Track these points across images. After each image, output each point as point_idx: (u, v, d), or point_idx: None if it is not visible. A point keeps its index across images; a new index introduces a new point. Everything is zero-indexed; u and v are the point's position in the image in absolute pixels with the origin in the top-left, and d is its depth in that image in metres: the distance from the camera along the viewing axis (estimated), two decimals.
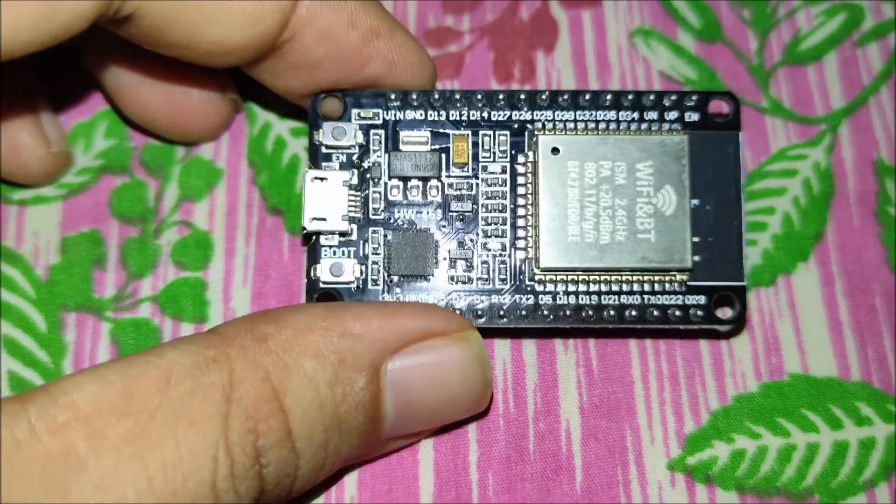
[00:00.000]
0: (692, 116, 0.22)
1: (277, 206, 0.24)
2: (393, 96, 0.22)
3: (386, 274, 0.22)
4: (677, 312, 0.21)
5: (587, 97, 0.22)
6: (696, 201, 0.22)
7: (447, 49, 0.26)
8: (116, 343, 0.23)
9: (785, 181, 0.25)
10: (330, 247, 0.22)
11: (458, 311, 0.21)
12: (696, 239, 0.21)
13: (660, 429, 0.22)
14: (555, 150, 0.22)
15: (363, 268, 0.22)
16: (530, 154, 0.22)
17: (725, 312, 0.22)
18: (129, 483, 0.15)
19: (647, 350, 0.23)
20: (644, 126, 0.22)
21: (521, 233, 0.22)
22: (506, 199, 0.22)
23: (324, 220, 0.21)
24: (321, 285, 0.21)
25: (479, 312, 0.21)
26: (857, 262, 0.24)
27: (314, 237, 0.22)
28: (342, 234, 0.22)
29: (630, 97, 0.22)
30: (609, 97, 0.22)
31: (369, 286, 0.21)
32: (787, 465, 0.22)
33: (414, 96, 0.22)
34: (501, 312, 0.21)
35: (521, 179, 0.22)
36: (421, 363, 0.19)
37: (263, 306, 0.23)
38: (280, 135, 0.25)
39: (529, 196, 0.22)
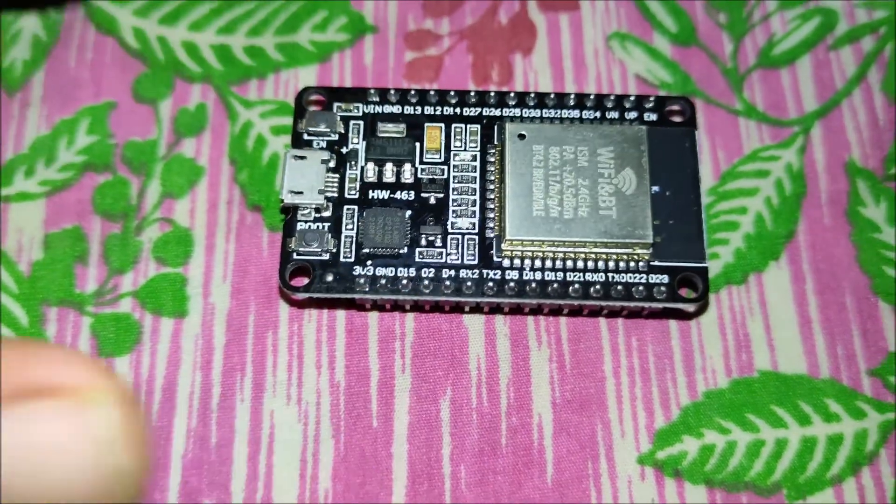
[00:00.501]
0: (650, 116, 0.24)
1: (257, 202, 0.24)
2: (373, 91, 0.24)
3: (358, 247, 0.22)
4: (641, 289, 0.22)
5: (552, 97, 0.24)
6: (656, 188, 0.23)
7: (426, 52, 0.27)
8: (97, 337, 0.23)
9: (757, 181, 0.25)
10: (306, 222, 0.22)
11: (426, 284, 0.22)
12: (656, 221, 0.22)
13: (630, 423, 0.22)
14: (521, 136, 0.23)
15: (336, 241, 0.22)
16: (498, 144, 0.23)
17: (690, 294, 0.22)
18: None
19: (619, 346, 0.23)
20: (606, 123, 0.24)
21: (489, 214, 0.23)
22: (475, 183, 0.23)
23: (301, 193, 0.22)
24: (295, 257, 0.22)
25: (447, 285, 0.22)
26: (827, 261, 0.24)
27: (291, 213, 0.22)
28: (317, 209, 0.23)
29: (592, 97, 0.24)
30: (573, 97, 0.24)
31: (341, 259, 0.22)
32: (756, 460, 0.22)
33: (392, 92, 0.24)
34: (468, 286, 0.22)
35: (490, 167, 0.23)
36: (7, 421, 0.13)
37: (242, 301, 0.23)
38: (261, 133, 0.25)
39: (497, 179, 0.23)
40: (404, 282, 0.22)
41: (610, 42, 0.27)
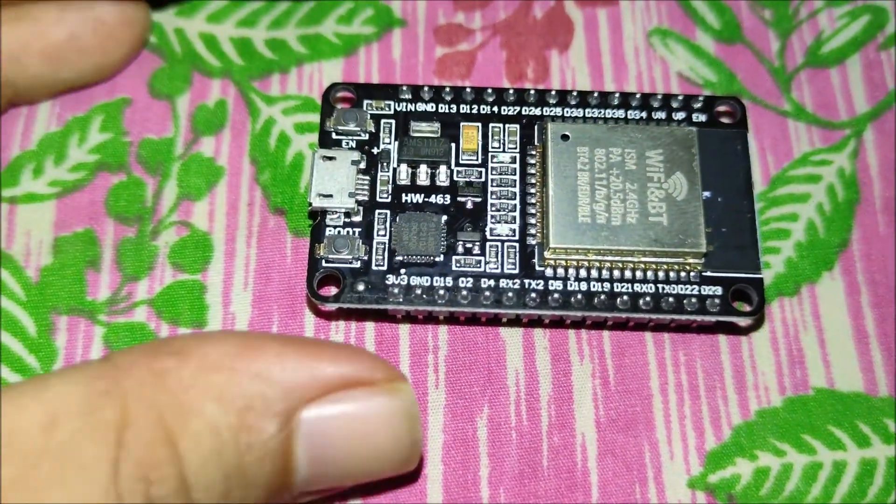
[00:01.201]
0: (699, 117, 0.23)
1: (280, 205, 0.23)
2: (405, 88, 0.22)
3: (391, 254, 0.21)
4: (693, 301, 0.21)
5: (595, 96, 0.23)
6: (707, 193, 0.21)
7: (458, 47, 0.25)
8: (110, 348, 0.22)
9: (808, 187, 0.24)
10: (335, 227, 0.21)
11: (464, 294, 0.20)
12: (708, 229, 0.21)
13: (680, 444, 0.21)
14: (564, 137, 0.21)
15: (367, 247, 0.21)
16: (539, 145, 0.22)
17: (743, 307, 0.21)
18: None
19: (666, 362, 0.22)
20: (653, 124, 0.22)
21: (531, 219, 0.21)
22: (515, 186, 0.22)
23: (330, 196, 0.21)
24: (324, 265, 0.21)
25: (486, 296, 0.20)
26: (883, 272, 0.23)
27: (319, 217, 0.21)
28: (347, 213, 0.21)
29: (638, 97, 0.23)
30: (617, 97, 0.23)
31: (373, 267, 0.21)
32: (813, 485, 0.21)
33: (426, 90, 0.22)
34: (509, 297, 0.20)
35: (531, 169, 0.22)
36: (341, 414, 0.17)
37: (265, 310, 0.22)
38: (283, 131, 0.24)
39: (538, 182, 0.22)
40: (441, 292, 0.21)
41: (651, 38, 0.25)
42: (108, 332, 0.22)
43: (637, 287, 0.21)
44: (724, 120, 0.23)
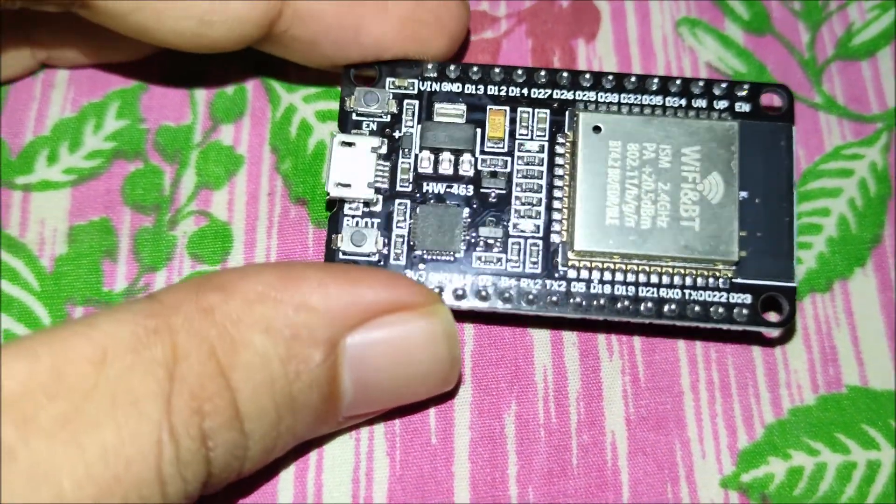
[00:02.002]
0: (743, 107, 0.21)
1: (302, 195, 0.22)
2: (430, 66, 0.21)
3: (409, 249, 0.20)
4: (720, 310, 0.20)
5: (633, 80, 0.21)
6: (744, 193, 0.20)
7: (483, 35, 0.25)
8: None
9: (840, 181, 0.23)
10: (353, 217, 0.20)
11: (483, 293, 0.20)
12: (742, 233, 0.20)
13: (711, 443, 0.21)
14: (596, 129, 0.21)
15: (386, 240, 0.20)
16: (570, 134, 0.21)
17: (773, 316, 0.20)
18: (66, 471, 0.14)
19: (696, 358, 0.21)
20: (692, 114, 0.21)
21: (556, 215, 0.21)
22: (542, 178, 0.21)
23: (348, 186, 0.20)
24: (341, 256, 0.20)
25: (507, 296, 0.20)
26: None
27: (337, 206, 0.20)
28: (366, 203, 0.20)
29: (678, 83, 0.21)
30: (656, 82, 0.21)
31: (391, 260, 0.20)
32: (848, 485, 0.20)
33: (451, 68, 0.21)
34: (530, 298, 0.20)
35: (559, 160, 0.21)
36: (383, 338, 0.17)
37: None
38: (305, 119, 0.23)
39: (567, 177, 0.21)
40: (459, 290, 0.20)
41: (679, 28, 0.25)
42: None
43: (663, 292, 0.20)
44: (770, 112, 0.21)
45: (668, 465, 0.20)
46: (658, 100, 0.21)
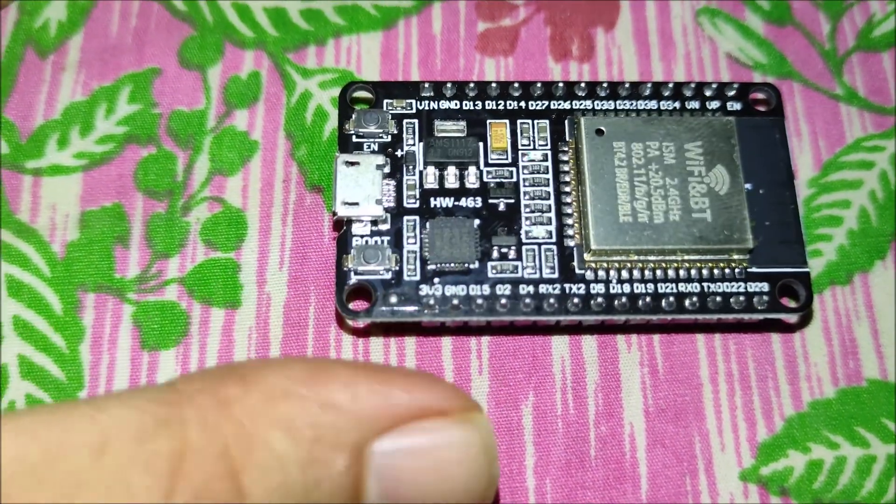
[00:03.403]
0: (734, 105, 0.22)
1: (317, 182, 0.22)
2: (426, 86, 0.21)
3: (423, 263, 0.20)
4: (741, 299, 0.20)
5: (626, 87, 0.22)
6: (748, 185, 0.21)
7: (500, 23, 0.24)
8: (139, 328, 0.21)
9: (861, 173, 0.23)
10: (362, 236, 0.20)
11: (503, 303, 0.20)
12: (752, 223, 0.20)
13: (731, 435, 0.20)
14: (599, 132, 0.21)
15: (398, 257, 0.20)
16: (572, 140, 0.21)
17: (790, 303, 0.20)
18: None
19: (716, 350, 0.21)
20: (686, 115, 0.22)
21: (567, 220, 0.20)
22: (548, 186, 0.21)
23: (356, 204, 0.20)
24: (353, 277, 0.20)
25: (526, 304, 0.20)
26: None
27: (345, 226, 0.20)
28: (374, 221, 0.20)
29: (670, 86, 0.22)
30: (649, 87, 0.22)
31: (405, 277, 0.20)
32: (867, 479, 0.20)
33: (448, 86, 0.21)
34: (550, 304, 0.20)
35: (563, 167, 0.21)
36: (415, 447, 0.16)
37: (301, 291, 0.21)
38: (321, 105, 0.23)
39: (573, 181, 0.21)
40: (478, 301, 0.20)
41: (699, 18, 0.25)
42: (137, 311, 0.21)
43: (682, 287, 0.20)
44: (760, 108, 0.22)
45: (687, 458, 0.20)
46: (653, 104, 0.22)
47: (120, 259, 0.21)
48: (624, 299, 0.20)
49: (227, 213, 0.22)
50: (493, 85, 0.22)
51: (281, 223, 0.22)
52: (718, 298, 0.20)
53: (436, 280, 0.20)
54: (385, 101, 0.21)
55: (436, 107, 0.21)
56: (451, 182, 0.21)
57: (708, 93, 0.22)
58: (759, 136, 0.21)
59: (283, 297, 0.21)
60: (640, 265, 0.20)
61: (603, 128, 0.21)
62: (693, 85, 0.22)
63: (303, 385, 0.15)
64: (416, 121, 0.21)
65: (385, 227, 0.20)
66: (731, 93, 0.22)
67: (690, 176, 0.20)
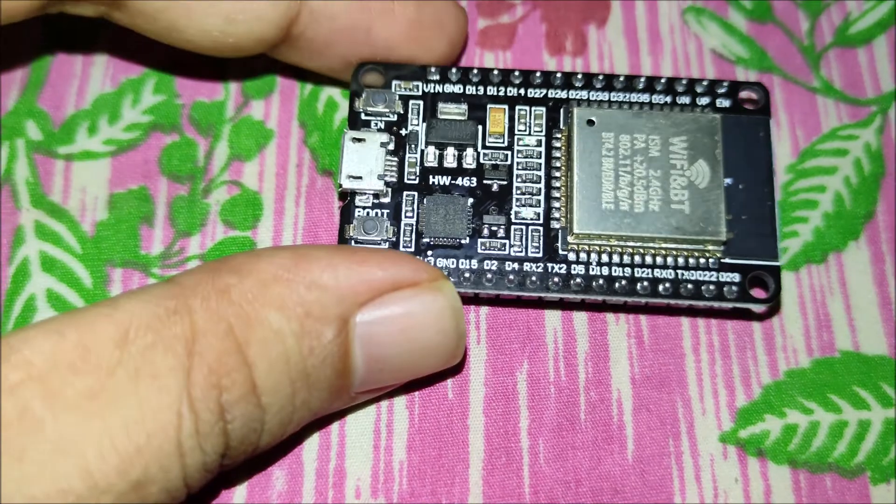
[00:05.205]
0: (724, 102, 0.23)
1: (328, 167, 0.24)
2: (433, 70, 0.23)
3: (418, 236, 0.21)
4: (711, 288, 0.21)
5: (621, 80, 0.23)
6: (728, 180, 0.22)
7: (500, 20, 0.26)
8: None
9: (836, 160, 0.25)
10: (364, 207, 0.22)
11: (489, 277, 0.21)
12: (729, 217, 0.21)
13: (711, 401, 0.22)
14: (590, 122, 0.22)
15: (395, 229, 0.21)
16: (565, 129, 0.22)
17: (759, 293, 0.22)
18: (90, 442, 0.15)
19: (698, 323, 0.23)
20: (676, 110, 0.23)
21: (555, 203, 0.22)
22: (540, 170, 0.22)
23: (360, 178, 0.21)
24: (353, 245, 0.21)
25: (510, 280, 0.21)
26: None
27: (349, 198, 0.22)
28: (376, 195, 0.22)
29: (663, 81, 0.23)
30: (642, 81, 0.23)
31: (401, 247, 0.21)
32: (839, 442, 0.22)
33: (453, 71, 0.23)
34: (532, 281, 0.21)
35: (556, 153, 0.22)
36: (392, 315, 0.18)
37: None
38: (331, 96, 0.25)
39: (563, 168, 0.22)
40: (466, 274, 0.21)
41: (685, 16, 0.26)
42: None
43: (657, 273, 0.21)
44: (748, 106, 0.23)
45: (671, 421, 0.22)
46: (645, 97, 0.23)
47: (145, 237, 0.23)
48: (602, 281, 0.21)
49: (245, 196, 0.23)
50: (496, 72, 0.23)
51: (294, 204, 0.23)
52: (690, 286, 0.21)
53: (429, 253, 0.21)
54: (394, 81, 0.23)
55: (441, 90, 0.23)
56: (450, 162, 0.22)
57: (699, 89, 0.23)
58: (744, 133, 0.22)
59: None
60: (620, 250, 0.21)
61: (594, 119, 0.22)
62: (685, 81, 0.23)
63: (290, 269, 0.17)
64: (421, 102, 0.22)
65: (386, 200, 0.22)
66: (722, 90, 0.23)
67: (673, 169, 0.21)
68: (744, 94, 0.23)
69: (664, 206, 0.21)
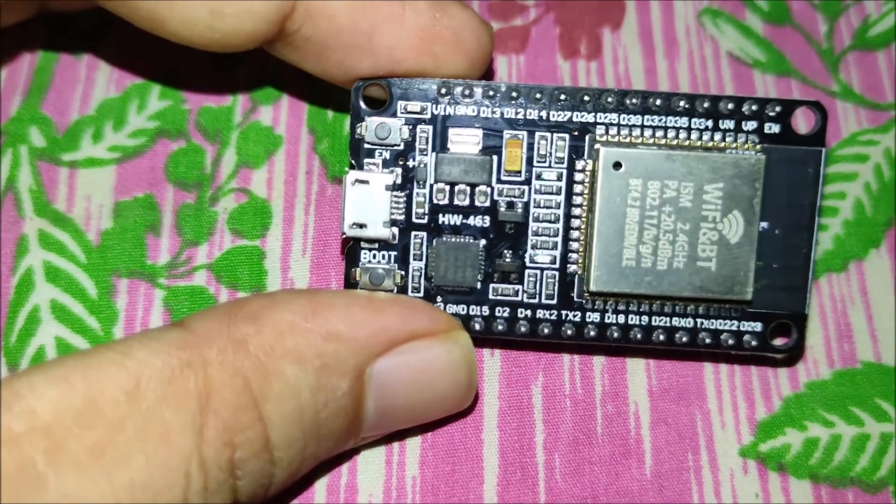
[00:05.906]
0: (772, 128, 0.20)
1: (338, 174, 0.23)
2: (443, 90, 0.20)
3: (427, 281, 0.20)
4: (730, 340, 0.20)
5: (658, 101, 0.20)
6: (764, 224, 0.20)
7: (512, 22, 0.25)
8: (170, 311, 0.22)
9: (856, 166, 0.24)
10: (370, 250, 0.20)
11: (499, 324, 0.20)
12: (759, 263, 0.20)
13: (731, 414, 0.21)
14: (617, 165, 0.20)
15: (403, 273, 0.20)
16: (589, 162, 0.20)
17: (781, 340, 0.21)
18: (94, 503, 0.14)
19: None
20: (718, 136, 0.20)
21: (573, 245, 0.20)
22: (559, 209, 0.20)
23: (364, 226, 0.20)
24: (360, 290, 0.20)
25: (523, 326, 0.20)
26: None
27: (353, 241, 0.20)
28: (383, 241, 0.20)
29: (706, 104, 0.20)
30: (683, 102, 0.20)
31: (409, 293, 0.20)
32: (862, 455, 0.21)
33: (465, 90, 0.20)
34: (545, 327, 0.20)
35: (577, 188, 0.20)
36: (406, 365, 0.18)
37: (323, 276, 0.22)
38: (342, 102, 0.24)
39: (585, 210, 0.20)
40: (476, 319, 0.20)
41: (701, 18, 0.26)
42: (167, 296, 0.22)
43: (675, 321, 0.20)
44: (799, 133, 0.20)
45: (689, 435, 0.21)
46: (684, 121, 0.20)
47: (151, 246, 0.22)
48: (616, 329, 0.20)
49: (253, 204, 0.23)
50: (514, 93, 0.20)
51: (304, 213, 0.23)
52: (708, 338, 0.20)
53: (438, 298, 0.20)
54: (399, 103, 0.20)
55: (451, 112, 0.20)
56: (461, 199, 0.20)
57: (746, 111, 0.20)
58: (791, 171, 0.20)
59: (305, 282, 0.22)
60: (637, 301, 0.20)
61: (621, 161, 0.20)
62: (731, 103, 0.20)
63: (307, 318, 0.17)
64: (430, 128, 0.20)
65: (393, 242, 0.20)
66: (773, 113, 0.20)
67: (703, 221, 0.20)
68: (797, 117, 0.21)
69: (689, 263, 0.20)
